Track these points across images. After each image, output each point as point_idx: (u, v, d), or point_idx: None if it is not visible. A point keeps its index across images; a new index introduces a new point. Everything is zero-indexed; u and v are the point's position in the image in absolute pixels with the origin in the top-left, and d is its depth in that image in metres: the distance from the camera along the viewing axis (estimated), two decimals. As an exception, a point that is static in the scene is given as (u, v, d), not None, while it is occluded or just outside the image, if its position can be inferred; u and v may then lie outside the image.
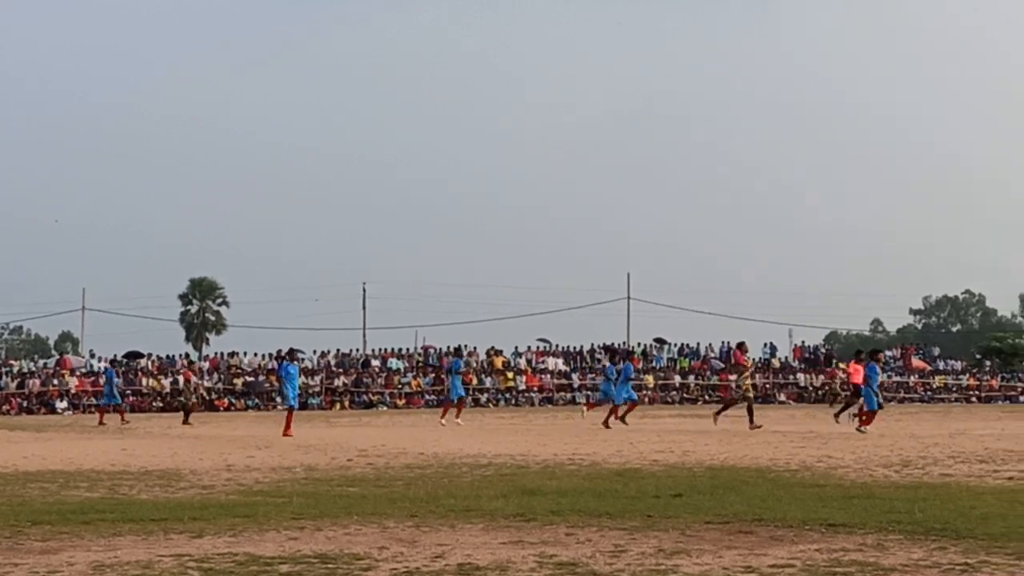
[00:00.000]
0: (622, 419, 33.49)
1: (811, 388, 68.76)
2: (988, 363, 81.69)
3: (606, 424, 32.78)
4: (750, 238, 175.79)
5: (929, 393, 73.01)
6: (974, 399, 71.45)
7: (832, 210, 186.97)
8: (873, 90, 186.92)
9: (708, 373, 69.35)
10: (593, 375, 65.87)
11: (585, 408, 39.40)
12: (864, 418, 30.10)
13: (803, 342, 79.90)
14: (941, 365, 79.68)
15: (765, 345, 74.59)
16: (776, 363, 73.44)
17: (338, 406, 60.85)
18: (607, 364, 38.83)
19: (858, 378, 39.28)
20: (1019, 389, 73.72)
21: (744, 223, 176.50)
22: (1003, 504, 12.56)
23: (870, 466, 17.98)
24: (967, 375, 76.91)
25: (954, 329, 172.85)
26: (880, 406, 31.17)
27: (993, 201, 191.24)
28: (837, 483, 15.24)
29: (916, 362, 77.58)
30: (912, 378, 74.67)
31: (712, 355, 71.27)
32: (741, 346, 35.22)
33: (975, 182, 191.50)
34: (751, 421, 30.56)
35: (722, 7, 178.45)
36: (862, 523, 11.08)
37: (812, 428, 29.72)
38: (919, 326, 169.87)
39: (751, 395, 32.23)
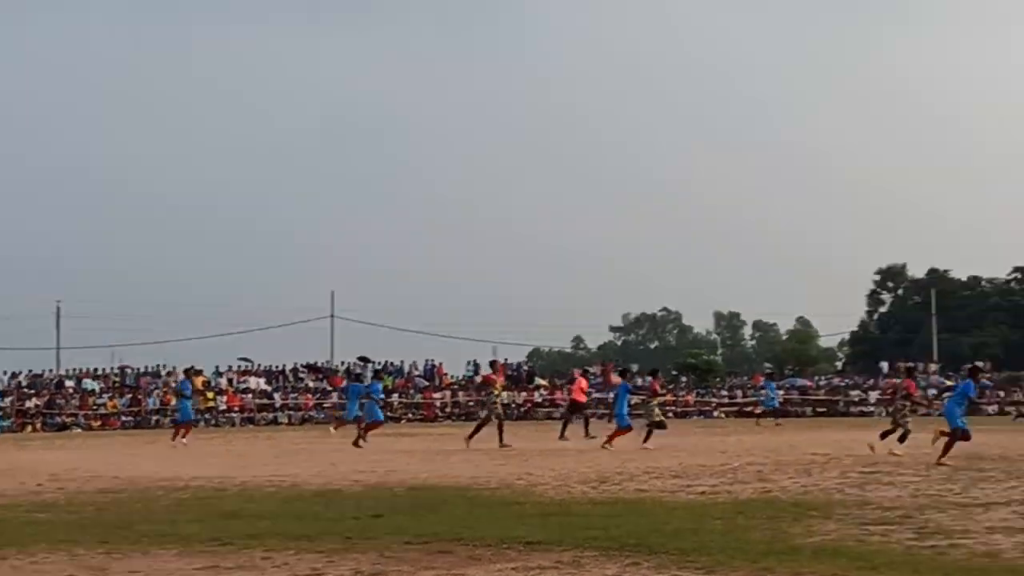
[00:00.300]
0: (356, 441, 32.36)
1: (514, 405, 69.63)
2: (684, 379, 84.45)
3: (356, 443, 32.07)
4: (453, 255, 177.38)
5: (628, 409, 74.87)
6: (671, 414, 73.63)
7: (536, 227, 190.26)
8: (587, 109, 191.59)
9: (412, 391, 69.52)
10: (296, 394, 65.36)
11: (333, 428, 38.16)
12: (612, 436, 30.70)
13: (506, 359, 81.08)
14: (639, 381, 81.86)
15: (468, 363, 75.28)
16: (479, 380, 74.23)
17: (29, 428, 58.44)
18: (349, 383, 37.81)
19: (580, 395, 40.11)
20: (713, 404, 76.40)
21: (448, 240, 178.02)
22: (695, 518, 12.89)
23: (569, 483, 18.23)
24: (666, 391, 79.25)
25: (652, 346, 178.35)
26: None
27: (689, 219, 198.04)
28: (536, 500, 15.37)
29: (615, 378, 79.47)
30: (611, 394, 76.41)
31: (416, 372, 71.51)
32: (493, 365, 35.18)
33: (675, 200, 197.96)
34: (500, 440, 30.43)
35: (423, 24, 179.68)
36: (559, 540, 11.17)
37: (512, 446, 30.04)
38: (619, 343, 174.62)
39: (501, 413, 32.15)
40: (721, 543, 10.89)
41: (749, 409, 71.09)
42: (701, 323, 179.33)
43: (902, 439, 25.97)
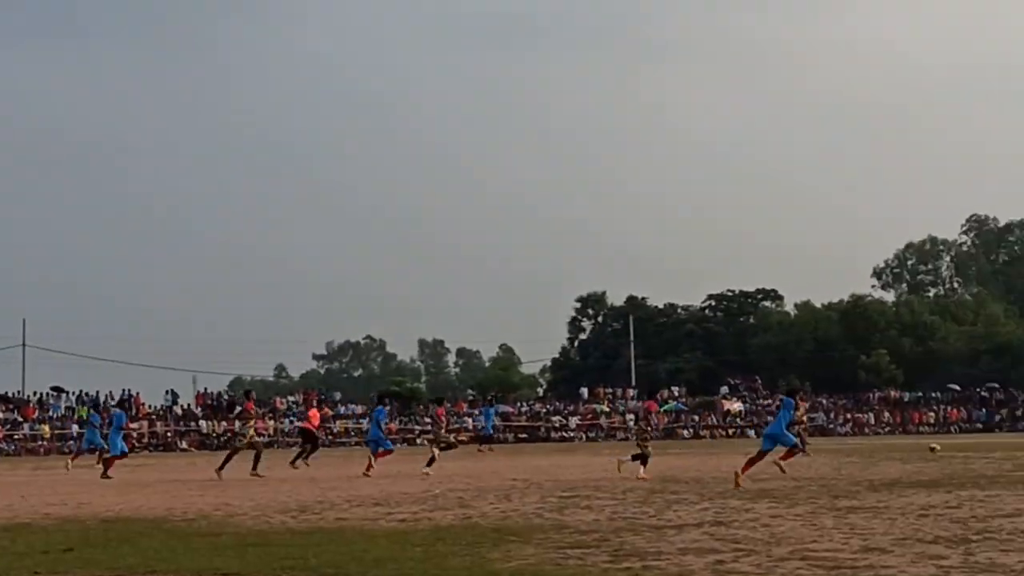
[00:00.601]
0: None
1: (214, 435, 68.31)
2: (388, 407, 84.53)
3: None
4: (154, 281, 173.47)
5: (331, 438, 74.45)
6: (371, 443, 73.52)
7: (243, 251, 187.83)
8: (319, 139, 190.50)
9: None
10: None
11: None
12: (374, 460, 30.79)
13: (206, 388, 79.73)
14: (342, 410, 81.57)
15: (167, 392, 73.67)
16: (179, 410, 72.67)
17: None
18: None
19: (311, 423, 39.61)
20: (416, 432, 76.67)
21: (151, 265, 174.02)
22: (395, 546, 12.80)
23: (268, 513, 17.90)
24: (367, 419, 79.10)
25: (356, 374, 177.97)
26: (389, 447, 32.91)
27: (393, 247, 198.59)
28: (234, 531, 15.02)
29: (313, 411, 78.91)
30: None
31: (112, 403, 69.39)
32: (248, 394, 34.28)
33: (380, 228, 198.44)
34: (254, 467, 29.68)
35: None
36: (257, 571, 10.93)
37: (211, 476, 29.39)
38: (322, 371, 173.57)
39: (258, 440, 31.29)
40: (421, 570, 10.84)
41: (452, 437, 71.67)
42: (405, 351, 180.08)
43: (644, 462, 26.10)
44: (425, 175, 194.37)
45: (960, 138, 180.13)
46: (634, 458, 26.44)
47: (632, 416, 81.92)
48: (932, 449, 37.17)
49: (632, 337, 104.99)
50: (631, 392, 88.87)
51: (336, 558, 11.76)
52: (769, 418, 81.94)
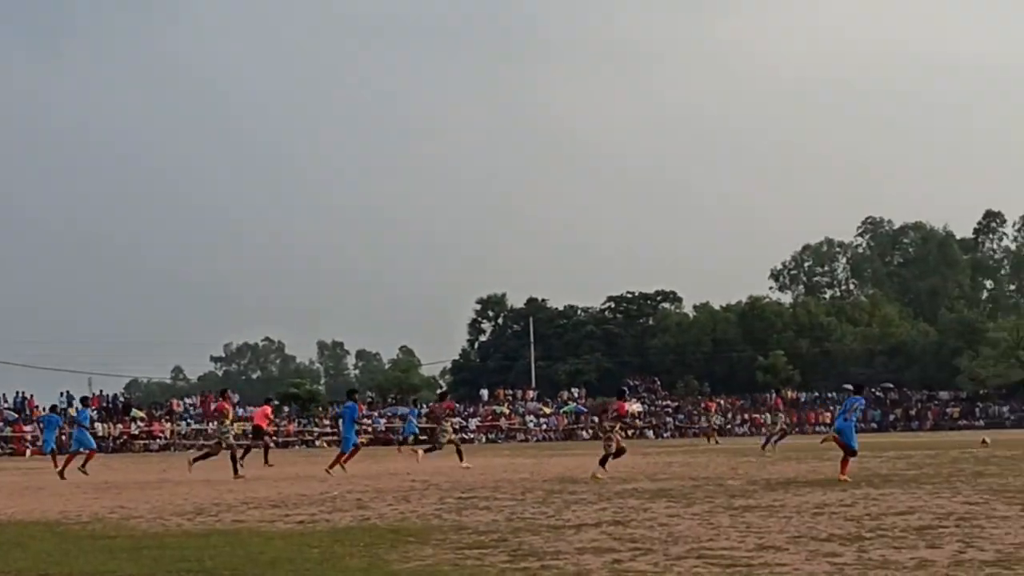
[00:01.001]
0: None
1: (109, 437, 67.34)
2: (287, 408, 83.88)
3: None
4: (43, 282, 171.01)
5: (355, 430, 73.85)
6: (272, 445, 72.94)
7: (140, 253, 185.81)
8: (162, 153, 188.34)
9: (1, 425, 66.15)
10: None
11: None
12: (343, 459, 30.72)
13: (101, 391, 78.61)
14: (241, 412, 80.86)
15: (62, 394, 72.40)
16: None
17: None
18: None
19: (262, 420, 39.39)
20: (316, 434, 76.20)
21: (57, 270, 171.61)
22: (292, 548, 12.70)
23: (164, 515, 17.67)
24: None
25: (254, 376, 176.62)
26: (357, 446, 32.53)
27: (291, 249, 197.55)
28: (129, 534, 14.81)
29: (225, 404, 78.25)
30: (211, 425, 75.25)
31: (6, 406, 68.12)
32: (223, 393, 33.71)
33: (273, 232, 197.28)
34: (235, 470, 29.10)
35: None
36: (151, 573, 10.81)
37: (107, 478, 28.96)
38: (220, 373, 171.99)
39: (232, 443, 30.63)
40: (317, 571, 10.77)
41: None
42: (304, 353, 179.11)
43: (616, 456, 26.35)
44: (323, 183, 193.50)
45: (854, 141, 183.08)
46: (603, 462, 26.22)
47: (532, 418, 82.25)
48: (984, 442, 39.67)
49: (532, 339, 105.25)
50: (531, 394, 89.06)
51: (232, 560, 11.64)
52: (668, 419, 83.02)
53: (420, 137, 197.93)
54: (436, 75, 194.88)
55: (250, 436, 42.61)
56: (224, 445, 30.26)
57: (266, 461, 35.76)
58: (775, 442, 41.68)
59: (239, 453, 31.04)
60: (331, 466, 30.45)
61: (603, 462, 26.09)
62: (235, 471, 29.13)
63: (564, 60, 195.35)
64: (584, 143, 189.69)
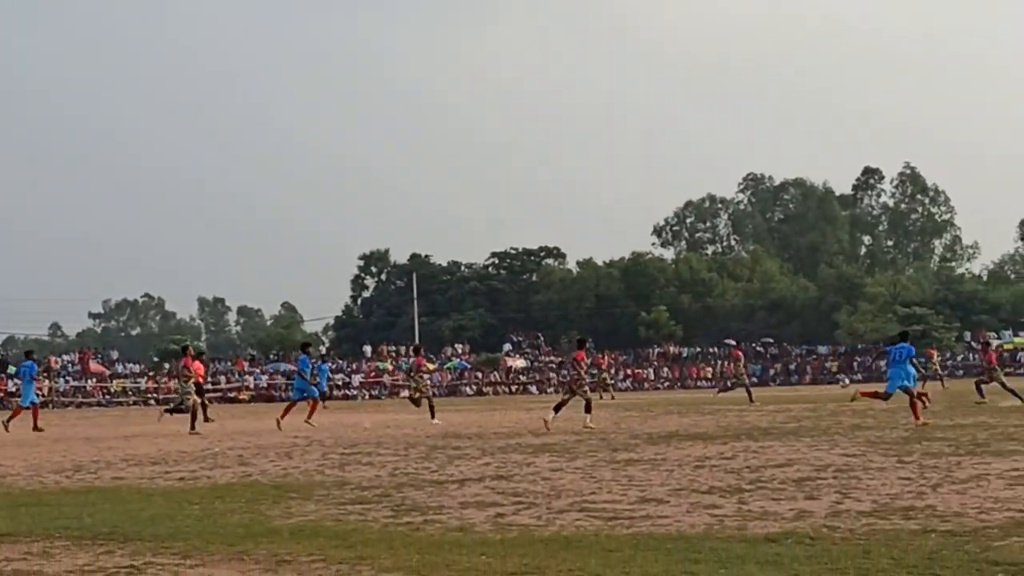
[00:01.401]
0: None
1: (-15, 395, 66.12)
2: (167, 365, 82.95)
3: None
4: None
5: (108, 397, 72.83)
6: (153, 401, 72.17)
7: (7, 206, 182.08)
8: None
9: None
10: None
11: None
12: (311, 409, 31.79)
13: (-26, 347, 77.28)
14: (120, 368, 79.90)
15: (-61, 351, 71.03)
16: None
17: None
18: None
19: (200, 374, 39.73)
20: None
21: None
22: (172, 505, 12.57)
23: (41, 472, 17.39)
24: (146, 378, 77.61)
25: (134, 332, 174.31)
26: (316, 396, 33.32)
27: (173, 205, 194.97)
28: (5, 491, 14.56)
29: (95, 366, 77.27)
30: (90, 382, 74.26)
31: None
32: (185, 349, 34.78)
33: (159, 187, 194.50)
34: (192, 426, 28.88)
35: None
36: (28, 531, 10.61)
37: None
38: (99, 330, 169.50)
39: (196, 400, 30.73)
40: (198, 528, 10.65)
41: (233, 395, 71.14)
42: (185, 309, 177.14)
43: (588, 408, 27.16)
44: (205, 134, 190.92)
45: (736, 99, 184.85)
46: (557, 409, 27.10)
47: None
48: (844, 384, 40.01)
49: (415, 295, 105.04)
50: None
51: (112, 517, 11.48)
52: (551, 375, 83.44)
53: (303, 86, 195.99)
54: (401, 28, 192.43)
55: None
56: (187, 403, 30.49)
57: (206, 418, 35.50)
58: (721, 390, 42.25)
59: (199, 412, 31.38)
60: (308, 417, 31.61)
61: (588, 410, 27.17)
62: (192, 427, 28.93)
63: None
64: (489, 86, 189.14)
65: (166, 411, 31.58)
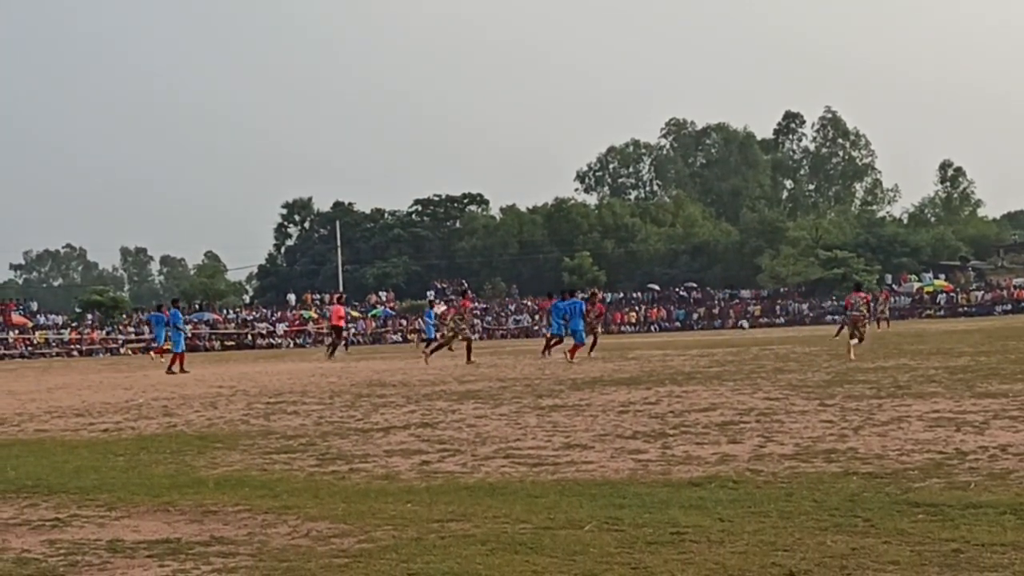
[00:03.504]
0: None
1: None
2: (90, 316, 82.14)
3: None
4: None
5: (30, 349, 72.08)
6: (76, 353, 71.56)
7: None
8: None
9: None
10: None
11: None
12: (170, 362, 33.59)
13: None
14: (42, 320, 79.03)
15: None
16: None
17: None
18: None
19: (339, 321, 42.81)
20: (120, 341, 74.86)
21: None
22: (97, 456, 12.47)
23: (-39, 427, 17.19)
24: (69, 329, 76.88)
25: (56, 283, 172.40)
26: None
27: (98, 155, 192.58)
28: (-76, 447, 14.37)
29: (17, 318, 76.35)
30: (12, 334, 73.40)
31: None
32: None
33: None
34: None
35: None
36: (-52, 487, 10.48)
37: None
38: (20, 281, 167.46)
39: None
40: (123, 479, 10.58)
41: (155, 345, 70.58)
42: (107, 259, 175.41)
43: (469, 351, 32.66)
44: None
45: (660, 44, 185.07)
46: (433, 349, 32.38)
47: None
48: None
49: (339, 243, 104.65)
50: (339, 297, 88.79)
51: (36, 469, 11.38)
52: (475, 321, 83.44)
53: (220, 35, 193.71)
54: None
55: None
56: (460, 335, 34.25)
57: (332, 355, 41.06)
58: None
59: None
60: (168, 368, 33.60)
61: (468, 351, 32.70)
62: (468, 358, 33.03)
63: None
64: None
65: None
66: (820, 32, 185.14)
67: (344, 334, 47.19)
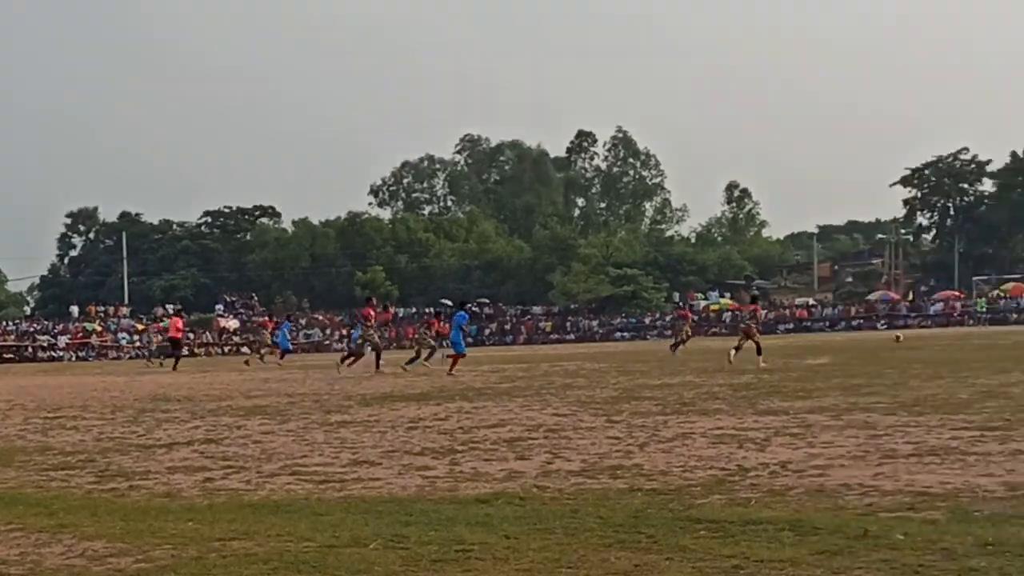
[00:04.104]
0: None
1: None
2: None
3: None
4: None
5: None
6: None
7: None
8: None
9: None
10: None
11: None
12: None
13: None
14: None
15: None
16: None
17: None
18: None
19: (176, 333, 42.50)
20: None
21: None
22: None
23: None
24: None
25: None
26: None
27: None
28: None
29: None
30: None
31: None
32: (369, 300, 39.13)
33: None
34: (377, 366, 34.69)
35: None
36: None
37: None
38: None
39: (377, 343, 35.89)
40: None
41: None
42: None
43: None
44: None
45: (455, 58, 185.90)
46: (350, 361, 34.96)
47: (125, 335, 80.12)
48: (897, 339, 45.55)
49: (125, 254, 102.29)
50: (124, 310, 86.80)
51: None
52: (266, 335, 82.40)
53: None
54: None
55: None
56: (370, 345, 35.86)
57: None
58: (676, 347, 42.57)
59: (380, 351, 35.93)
60: None
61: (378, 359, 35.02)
62: (377, 366, 34.65)
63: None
64: (174, 51, 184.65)
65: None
66: (613, 52, 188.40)
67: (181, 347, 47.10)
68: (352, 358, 36.76)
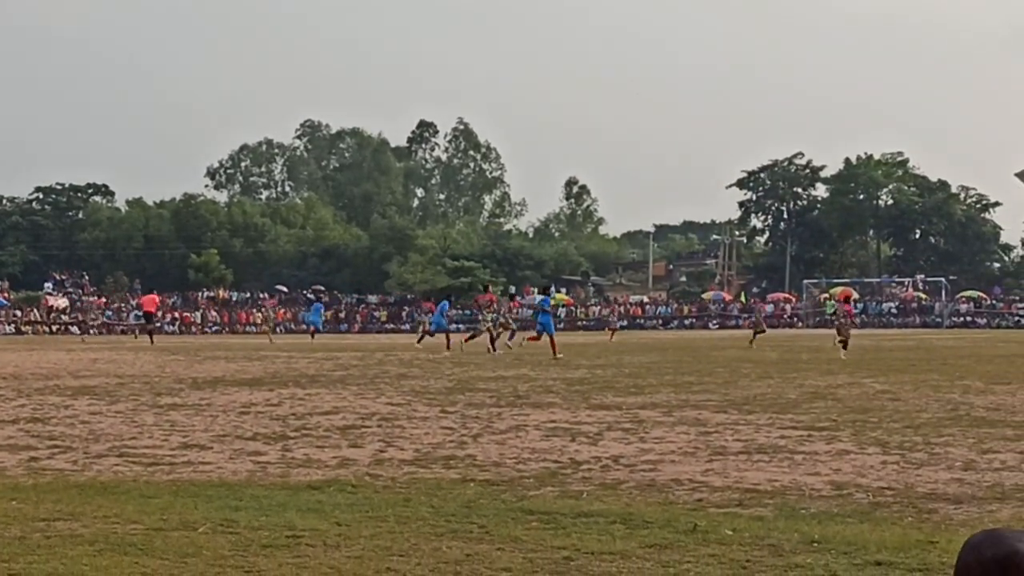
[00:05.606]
0: None
1: None
2: None
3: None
4: None
5: None
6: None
7: None
8: None
9: None
10: None
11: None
12: None
13: None
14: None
15: None
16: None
17: None
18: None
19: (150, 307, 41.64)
20: None
21: None
22: None
23: None
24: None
25: None
26: None
27: None
28: None
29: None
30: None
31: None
32: (487, 288, 40.82)
33: None
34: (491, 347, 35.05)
35: None
36: None
37: None
38: None
39: (490, 327, 36.35)
40: None
41: None
42: None
43: None
44: None
45: (297, 44, 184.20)
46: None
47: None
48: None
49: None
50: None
51: None
52: (95, 315, 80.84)
53: None
54: None
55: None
56: (500, 327, 36.80)
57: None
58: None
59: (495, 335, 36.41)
60: None
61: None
62: (491, 348, 35.33)
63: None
64: (6, 17, 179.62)
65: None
66: (457, 47, 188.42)
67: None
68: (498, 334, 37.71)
